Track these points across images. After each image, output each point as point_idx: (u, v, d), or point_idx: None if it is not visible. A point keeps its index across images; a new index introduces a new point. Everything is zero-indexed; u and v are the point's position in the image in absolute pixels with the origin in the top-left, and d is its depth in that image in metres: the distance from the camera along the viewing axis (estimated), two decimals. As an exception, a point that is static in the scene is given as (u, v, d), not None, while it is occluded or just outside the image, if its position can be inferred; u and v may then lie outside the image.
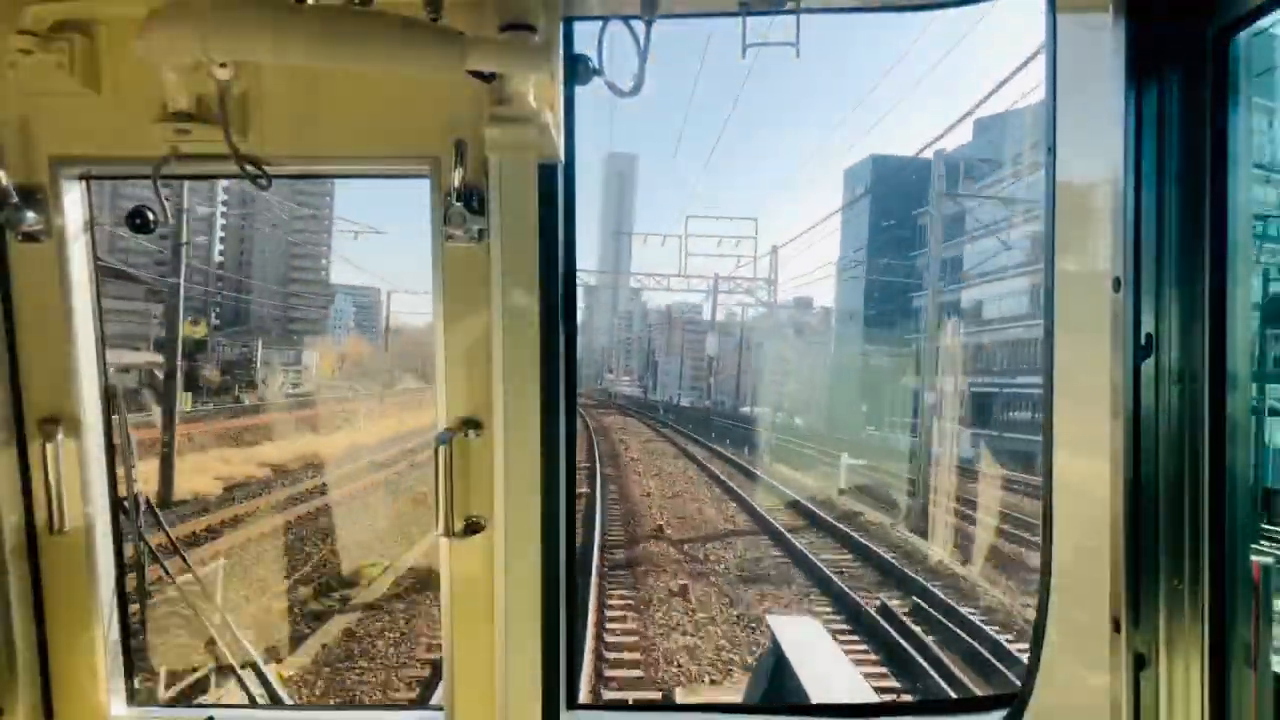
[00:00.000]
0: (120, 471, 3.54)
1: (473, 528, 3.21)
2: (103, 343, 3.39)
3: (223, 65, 2.82)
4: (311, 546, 21.14)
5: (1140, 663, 2.57)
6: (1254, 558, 2.46)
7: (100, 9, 3.02)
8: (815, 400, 79.93)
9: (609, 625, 16.90)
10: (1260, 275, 3.22)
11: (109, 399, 3.44)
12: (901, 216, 71.23)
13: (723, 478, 36.83)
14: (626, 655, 15.38)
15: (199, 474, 27.68)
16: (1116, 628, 2.59)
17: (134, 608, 3.69)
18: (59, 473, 3.23)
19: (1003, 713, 3.19)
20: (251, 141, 3.09)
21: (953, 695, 13.00)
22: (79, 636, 3.39)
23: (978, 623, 16.65)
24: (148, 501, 3.68)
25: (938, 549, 23.88)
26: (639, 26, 2.89)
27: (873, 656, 15.51)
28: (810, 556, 22.39)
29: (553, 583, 3.25)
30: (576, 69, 3.07)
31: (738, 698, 13.38)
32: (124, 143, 3.13)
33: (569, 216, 3.24)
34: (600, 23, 3.02)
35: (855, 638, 16.48)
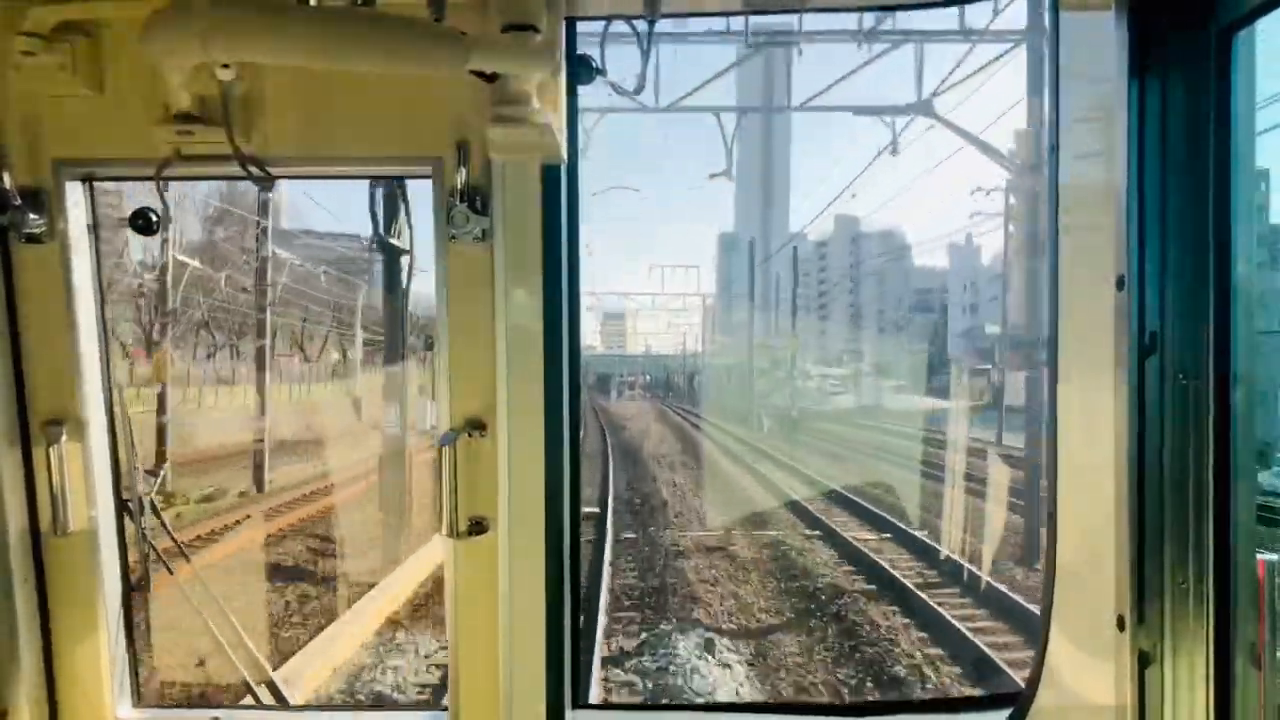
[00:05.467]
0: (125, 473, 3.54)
1: (477, 529, 3.21)
2: (106, 344, 3.40)
3: (225, 66, 2.82)
4: None
5: (1144, 661, 2.57)
6: (1259, 555, 2.45)
7: (103, 10, 3.02)
8: None
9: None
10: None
11: (113, 401, 3.44)
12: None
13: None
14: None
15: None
16: (1121, 626, 2.59)
17: (139, 609, 3.69)
18: (63, 475, 3.23)
19: (1006, 711, 3.19)
20: (254, 142, 3.09)
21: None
22: (84, 639, 3.39)
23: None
24: (152, 503, 3.68)
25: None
26: (642, 26, 2.90)
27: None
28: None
29: (557, 583, 3.26)
30: (579, 69, 3.08)
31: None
32: (127, 144, 3.13)
33: (572, 216, 3.25)
34: (603, 23, 3.03)
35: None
